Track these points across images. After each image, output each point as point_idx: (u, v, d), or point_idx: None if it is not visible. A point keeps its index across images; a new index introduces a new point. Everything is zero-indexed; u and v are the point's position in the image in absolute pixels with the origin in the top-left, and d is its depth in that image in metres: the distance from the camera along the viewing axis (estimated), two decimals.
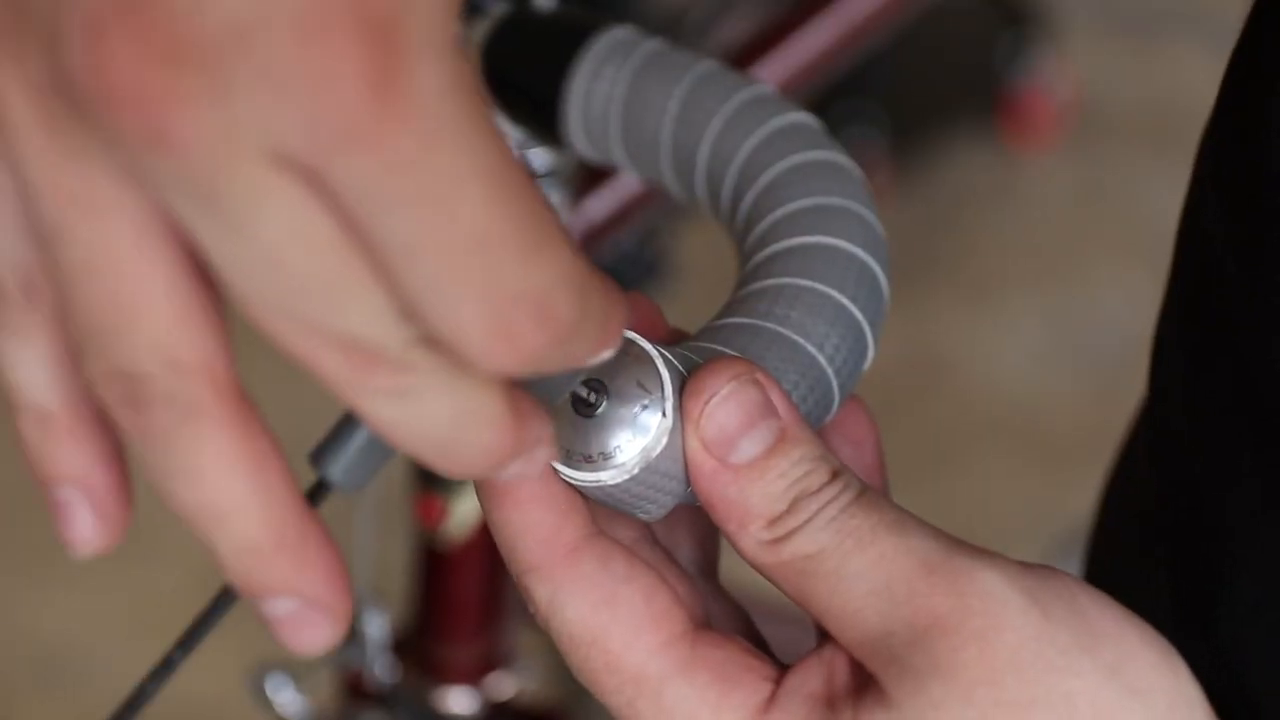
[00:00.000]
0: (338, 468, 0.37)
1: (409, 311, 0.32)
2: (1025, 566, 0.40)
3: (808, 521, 0.40)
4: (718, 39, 2.00)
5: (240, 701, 1.06)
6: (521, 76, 0.59)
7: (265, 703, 0.98)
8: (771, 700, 0.40)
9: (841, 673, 0.40)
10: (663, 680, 0.40)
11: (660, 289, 1.39)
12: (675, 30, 1.83)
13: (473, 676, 0.98)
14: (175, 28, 0.29)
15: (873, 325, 0.46)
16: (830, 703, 0.40)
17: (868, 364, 0.46)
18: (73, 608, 1.72)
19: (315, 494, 0.37)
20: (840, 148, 0.50)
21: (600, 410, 0.41)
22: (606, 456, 0.41)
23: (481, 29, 0.61)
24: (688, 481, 0.42)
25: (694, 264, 1.53)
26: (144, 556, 1.68)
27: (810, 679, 0.41)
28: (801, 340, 0.44)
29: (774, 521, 0.41)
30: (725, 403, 0.41)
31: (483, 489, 0.41)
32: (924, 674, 0.38)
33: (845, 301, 0.45)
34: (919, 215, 2.26)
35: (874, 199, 0.49)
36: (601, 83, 0.55)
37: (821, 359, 0.45)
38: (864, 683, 0.40)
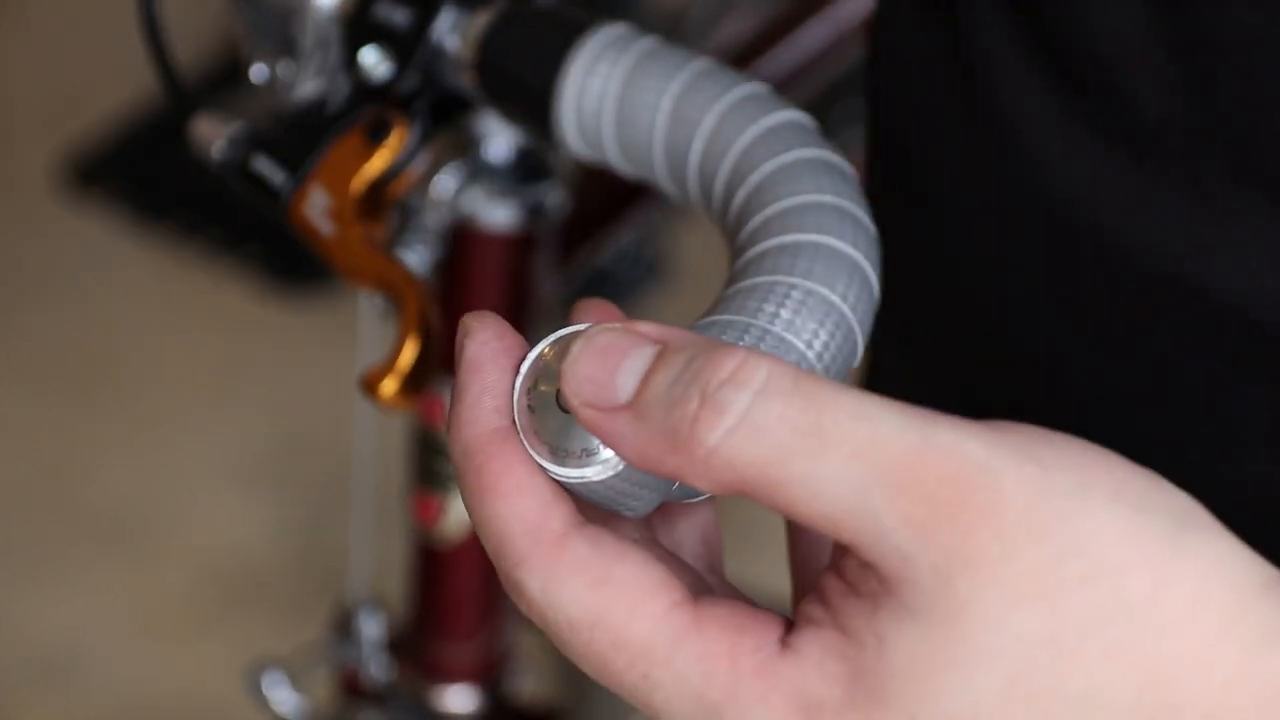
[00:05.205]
0: None
1: None
2: (993, 426, 0.38)
3: (744, 416, 0.37)
4: (717, 38, 2.00)
5: (238, 700, 1.06)
6: (517, 72, 0.58)
7: (262, 701, 0.98)
8: (790, 631, 0.39)
9: (850, 584, 0.38)
10: (673, 645, 0.39)
11: (660, 289, 1.39)
12: (675, 29, 1.83)
13: (470, 675, 0.98)
14: None
15: (863, 324, 0.46)
16: (843, 628, 0.38)
17: (857, 363, 0.46)
18: (73, 608, 1.72)
19: None
20: (833, 146, 0.50)
21: None
22: (590, 453, 0.41)
23: (481, 23, 0.60)
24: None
25: (693, 265, 1.54)
26: (144, 557, 1.68)
27: (822, 604, 0.39)
28: (791, 338, 0.44)
29: (695, 423, 0.38)
30: (582, 356, 0.39)
31: (467, 485, 0.41)
32: (942, 571, 0.37)
33: (835, 299, 0.45)
34: None
35: (866, 197, 0.49)
36: (595, 79, 0.55)
37: (810, 356, 0.44)
38: (884, 588, 0.38)
